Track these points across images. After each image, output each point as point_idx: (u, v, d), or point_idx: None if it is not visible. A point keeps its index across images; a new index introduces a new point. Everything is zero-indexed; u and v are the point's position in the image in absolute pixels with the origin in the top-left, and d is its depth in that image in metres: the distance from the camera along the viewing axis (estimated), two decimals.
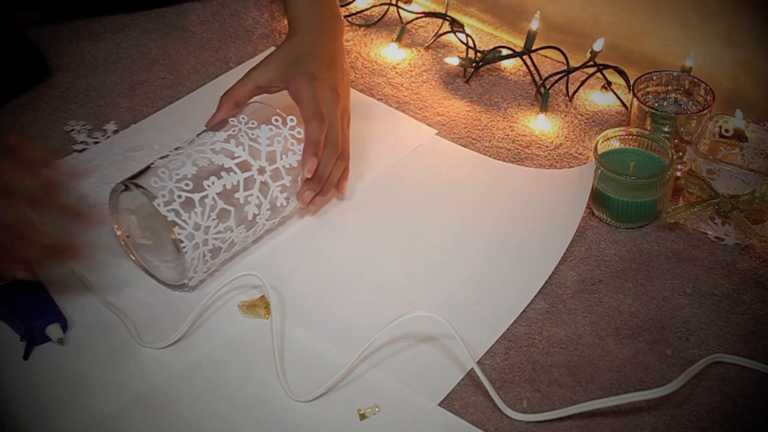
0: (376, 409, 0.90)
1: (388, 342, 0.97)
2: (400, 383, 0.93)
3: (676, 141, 1.14)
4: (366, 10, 1.44)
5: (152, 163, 1.00)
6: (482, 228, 1.10)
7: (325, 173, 1.07)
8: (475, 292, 1.03)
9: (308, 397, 0.92)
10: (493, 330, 0.99)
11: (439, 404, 0.92)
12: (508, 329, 0.99)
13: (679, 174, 1.11)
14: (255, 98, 1.09)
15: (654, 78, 1.18)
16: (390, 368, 0.95)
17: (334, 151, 1.07)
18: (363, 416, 0.89)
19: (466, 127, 1.25)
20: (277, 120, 1.04)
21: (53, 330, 0.96)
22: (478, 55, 1.33)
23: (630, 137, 1.13)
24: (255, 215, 1.01)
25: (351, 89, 1.16)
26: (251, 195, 1.00)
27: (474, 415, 0.91)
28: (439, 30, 1.38)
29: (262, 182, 1.01)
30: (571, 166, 1.18)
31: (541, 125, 1.25)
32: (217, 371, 0.95)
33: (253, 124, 1.03)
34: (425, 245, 1.08)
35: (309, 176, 1.04)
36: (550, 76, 1.29)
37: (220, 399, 0.92)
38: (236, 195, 0.99)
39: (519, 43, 1.36)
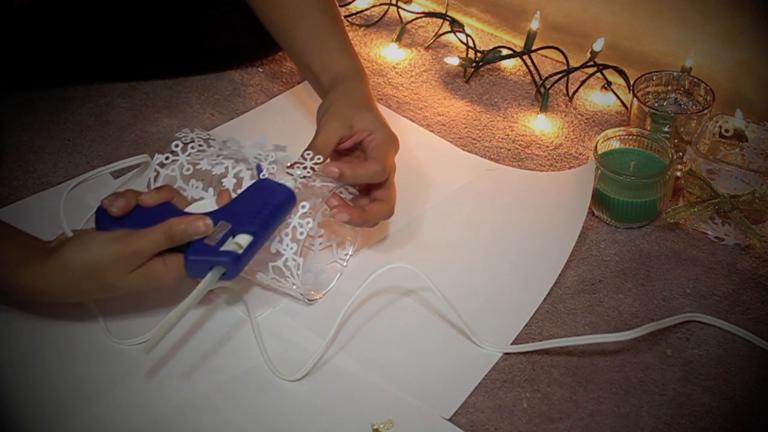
0: (390, 425, 0.89)
1: (384, 336, 0.97)
2: (411, 395, 0.93)
3: (676, 141, 1.14)
4: (366, 10, 1.44)
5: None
6: (486, 233, 1.10)
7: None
8: (485, 296, 1.02)
9: (296, 375, 0.93)
10: (507, 334, 0.98)
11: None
12: None
13: (679, 174, 1.11)
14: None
15: (654, 78, 1.18)
16: (399, 379, 0.94)
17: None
18: (377, 431, 0.89)
19: (466, 127, 1.25)
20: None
21: (242, 239, 0.90)
22: (478, 55, 1.33)
23: (630, 137, 1.13)
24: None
25: None
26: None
27: (474, 415, 0.91)
28: (439, 30, 1.38)
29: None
30: (571, 166, 1.18)
31: (541, 125, 1.25)
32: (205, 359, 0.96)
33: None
34: (433, 250, 1.08)
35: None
36: (550, 76, 1.29)
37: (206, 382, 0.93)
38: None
39: (519, 43, 1.36)
